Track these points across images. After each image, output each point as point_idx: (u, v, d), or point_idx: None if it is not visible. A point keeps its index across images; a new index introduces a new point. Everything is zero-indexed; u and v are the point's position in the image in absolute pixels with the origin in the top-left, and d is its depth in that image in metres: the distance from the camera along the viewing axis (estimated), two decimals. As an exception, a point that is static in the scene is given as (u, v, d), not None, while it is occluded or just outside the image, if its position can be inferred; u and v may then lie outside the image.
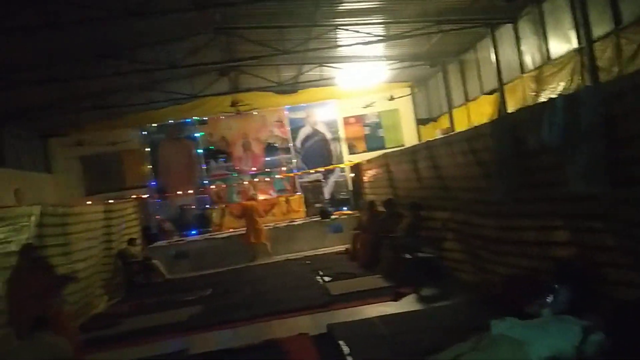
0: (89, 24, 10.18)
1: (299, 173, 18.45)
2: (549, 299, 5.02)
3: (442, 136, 10.01)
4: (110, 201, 12.89)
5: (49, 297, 6.94)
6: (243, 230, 15.03)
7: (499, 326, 4.65)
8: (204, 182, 18.20)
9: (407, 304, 7.60)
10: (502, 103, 13.08)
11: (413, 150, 10.06)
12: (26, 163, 16.20)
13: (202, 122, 18.35)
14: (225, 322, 8.23)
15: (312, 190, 17.96)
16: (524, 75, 12.35)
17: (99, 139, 17.55)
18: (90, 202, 14.01)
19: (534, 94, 11.65)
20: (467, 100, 15.89)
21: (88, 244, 10.34)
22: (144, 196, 17.42)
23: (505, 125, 6.20)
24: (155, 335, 8.00)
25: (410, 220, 9.36)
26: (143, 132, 18.15)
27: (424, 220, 9.11)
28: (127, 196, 16.16)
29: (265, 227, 14.97)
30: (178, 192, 17.95)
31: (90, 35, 11.03)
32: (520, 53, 12.61)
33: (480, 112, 14.38)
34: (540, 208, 5.67)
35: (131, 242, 12.88)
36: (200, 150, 18.34)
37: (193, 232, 17.19)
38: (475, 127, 7.33)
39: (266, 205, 16.50)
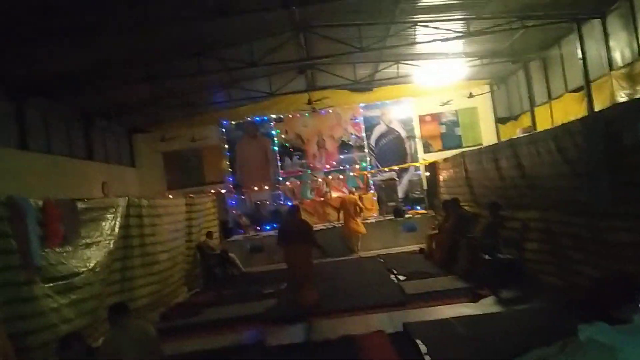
0: (178, 24, 10.59)
1: (373, 171, 18.39)
2: (642, 304, 4.75)
3: (526, 134, 9.66)
4: (190, 195, 13.34)
5: None
6: (315, 226, 15.13)
7: (588, 331, 4.42)
8: (279, 178, 18.51)
9: (485, 306, 7.41)
10: (589, 101, 12.49)
11: (494, 148, 9.78)
12: (113, 157, 17.07)
13: (278, 120, 18.67)
14: (301, 316, 8.32)
15: (386, 189, 17.85)
16: (613, 72, 11.73)
17: (181, 136, 18.25)
18: (171, 196, 14.55)
19: (624, 91, 11.04)
20: (550, 98, 15.28)
21: (171, 236, 10.74)
22: (221, 191, 17.95)
23: (598, 122, 5.91)
24: (234, 326, 8.21)
25: (489, 220, 9.11)
26: (222, 129, 18.68)
27: (504, 221, 8.84)
28: (205, 191, 16.69)
29: (363, 222, 15.01)
30: (254, 188, 18.35)
31: (176, 35, 11.47)
32: (608, 49, 11.99)
33: (564, 110, 13.79)
34: (635, 208, 5.37)
35: (209, 235, 13.28)
36: (275, 148, 18.66)
37: (268, 227, 17.51)
38: (564, 124, 7.02)
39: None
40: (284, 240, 8.94)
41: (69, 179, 12.94)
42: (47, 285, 6.00)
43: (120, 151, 17.88)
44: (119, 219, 8.38)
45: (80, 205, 7.27)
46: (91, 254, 7.26)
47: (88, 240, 7.29)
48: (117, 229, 8.24)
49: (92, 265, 7.16)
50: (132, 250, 8.80)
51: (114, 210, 8.30)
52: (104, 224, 7.88)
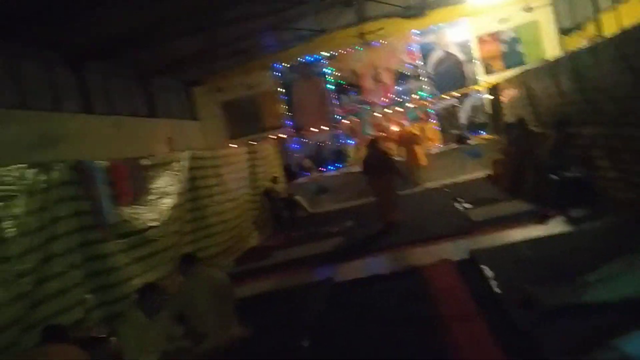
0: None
1: (433, 100, 17.94)
2: None
3: (586, 46, 9.08)
4: (251, 143, 13.55)
5: None
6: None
7: (658, 246, 4.30)
8: (337, 117, 18.42)
9: (554, 227, 7.26)
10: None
11: (554, 64, 9.26)
12: (174, 112, 17.50)
13: (331, 57, 18.40)
14: (368, 251, 8.48)
15: (447, 117, 17.41)
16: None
17: (236, 85, 18.36)
18: (233, 145, 14.85)
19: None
20: (617, 2, 14.18)
21: (237, 184, 11.04)
22: (281, 136, 18.12)
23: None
24: (304, 266, 8.48)
25: (555, 139, 8.77)
26: (276, 74, 18.66)
27: (570, 138, 8.48)
28: (266, 137, 16.91)
29: (426, 153, 14.97)
30: (313, 130, 18.40)
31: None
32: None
33: (634, 15, 12.77)
34: None
35: (274, 180, 13.55)
36: (331, 86, 18.49)
37: (331, 167, 17.63)
38: (625, 30, 6.53)
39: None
40: (368, 170, 9.93)
41: (134, 137, 13.40)
42: (121, 240, 6.36)
43: (181, 105, 18.28)
44: (185, 173, 8.67)
45: (144, 162, 7.57)
46: (161, 208, 7.57)
47: (157, 195, 7.60)
48: (184, 182, 8.54)
49: (163, 218, 7.49)
50: (201, 201, 9.12)
51: (178, 164, 8.58)
52: (170, 178, 8.16)
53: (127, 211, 6.67)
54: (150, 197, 7.36)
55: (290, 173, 16.56)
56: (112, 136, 12.23)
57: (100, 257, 5.91)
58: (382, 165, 9.76)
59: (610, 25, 14.20)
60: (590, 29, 15.55)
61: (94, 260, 5.83)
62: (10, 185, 4.86)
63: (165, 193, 7.80)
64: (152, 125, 15.26)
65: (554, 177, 8.18)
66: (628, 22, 12.97)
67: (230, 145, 15.71)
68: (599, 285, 4.30)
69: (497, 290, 5.25)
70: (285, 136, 18.33)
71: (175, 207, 7.91)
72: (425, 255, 7.50)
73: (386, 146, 16.64)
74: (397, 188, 10.37)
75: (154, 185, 7.57)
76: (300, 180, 16.59)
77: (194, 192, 8.90)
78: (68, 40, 11.37)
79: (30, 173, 5.16)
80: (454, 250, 7.34)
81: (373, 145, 10.39)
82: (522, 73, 11.50)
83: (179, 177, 8.39)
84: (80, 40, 11.59)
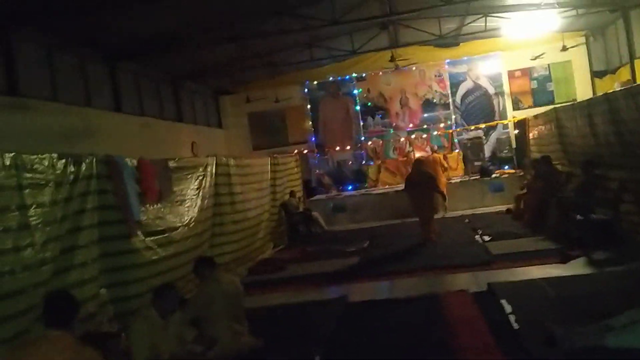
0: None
1: (458, 130, 17.90)
2: None
3: (624, 88, 9.01)
4: (275, 155, 13.62)
5: None
6: (398, 186, 15.06)
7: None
8: (361, 138, 18.45)
9: (576, 267, 7.12)
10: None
11: (589, 103, 9.19)
12: (200, 118, 17.68)
13: (361, 79, 18.52)
14: (383, 274, 8.40)
15: (472, 148, 17.33)
16: None
17: (265, 97, 18.54)
18: (257, 156, 14.91)
19: None
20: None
21: (257, 194, 11.07)
22: (304, 151, 18.18)
23: None
24: (317, 282, 8.41)
25: (583, 179, 8.67)
26: (305, 90, 18.78)
27: (598, 180, 8.38)
28: (289, 151, 16.97)
29: (448, 181, 14.74)
30: (336, 148, 18.44)
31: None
32: None
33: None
34: None
35: (292, 194, 13.54)
36: (358, 107, 18.56)
37: (350, 186, 17.61)
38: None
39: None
40: (412, 188, 10.38)
41: (160, 139, 13.56)
42: (145, 238, 6.39)
43: (208, 112, 18.47)
44: (209, 177, 8.72)
45: (171, 164, 7.62)
46: (185, 210, 7.65)
47: (182, 197, 7.67)
48: (207, 187, 8.58)
49: (187, 220, 7.56)
50: (222, 207, 9.17)
51: (203, 169, 8.63)
52: (195, 182, 8.23)
53: (153, 210, 6.70)
54: (175, 199, 7.40)
55: (310, 189, 16.57)
56: (139, 136, 12.38)
57: (121, 253, 5.94)
58: (425, 184, 10.17)
59: (645, 71, 14.12)
60: (624, 74, 15.47)
61: (114, 256, 5.86)
62: (40, 173, 4.90)
63: (189, 196, 7.84)
64: (178, 128, 15.43)
65: (579, 217, 8.06)
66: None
67: (253, 155, 15.77)
68: (623, 330, 4.20)
69: (516, 325, 5.15)
70: (307, 152, 18.38)
71: (198, 210, 7.94)
72: (442, 283, 7.43)
73: (408, 171, 16.73)
74: (436, 205, 10.91)
75: (179, 187, 7.62)
76: (319, 196, 16.59)
77: (216, 197, 8.93)
78: (104, 38, 11.59)
79: (60, 163, 5.21)
80: (472, 281, 7.24)
81: (418, 164, 10.91)
82: (554, 110, 11.42)
83: (203, 181, 8.44)
84: (115, 39, 11.81)
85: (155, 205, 6.81)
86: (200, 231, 8.01)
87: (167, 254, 6.78)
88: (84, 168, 5.58)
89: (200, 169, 8.55)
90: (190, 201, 7.83)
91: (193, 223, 7.69)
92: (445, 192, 12.69)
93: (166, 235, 6.88)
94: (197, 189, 8.22)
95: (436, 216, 12.00)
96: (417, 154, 17.29)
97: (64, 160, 5.27)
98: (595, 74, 17.35)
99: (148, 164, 6.82)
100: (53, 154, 5.15)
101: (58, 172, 5.16)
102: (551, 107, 12.70)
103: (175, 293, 5.21)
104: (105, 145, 9.87)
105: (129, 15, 10.67)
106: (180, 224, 7.28)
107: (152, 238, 6.53)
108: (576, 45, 17.12)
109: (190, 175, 8.13)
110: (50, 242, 4.87)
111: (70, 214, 5.29)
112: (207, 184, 8.61)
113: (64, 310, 3.61)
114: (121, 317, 5.70)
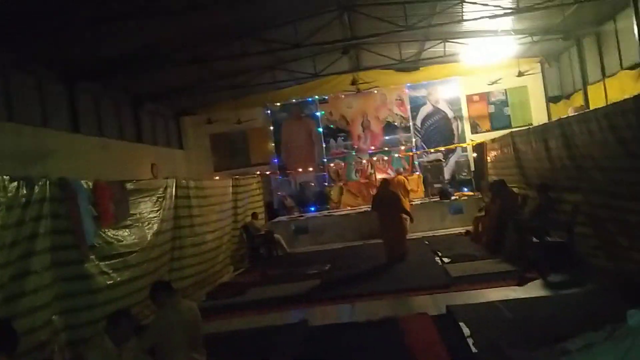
0: (222, 5, 10.66)
1: (419, 152, 18.17)
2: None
3: (577, 113, 9.33)
4: (236, 177, 13.52)
5: None
6: (360, 208, 15.15)
7: (637, 316, 4.28)
8: (324, 160, 18.53)
9: (533, 290, 7.26)
10: (647, 78, 11.93)
11: (543, 128, 9.47)
12: (161, 139, 17.46)
13: (323, 101, 18.66)
14: (344, 297, 8.37)
15: (432, 170, 17.59)
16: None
17: (227, 118, 18.45)
18: (218, 178, 14.80)
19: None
20: (604, 76, 14.67)
21: (218, 217, 10.95)
22: (267, 172, 18.13)
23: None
24: (278, 306, 8.32)
25: (538, 202, 8.88)
26: (267, 111, 18.80)
27: (554, 203, 8.60)
28: (251, 172, 16.91)
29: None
30: (299, 170, 18.45)
31: (221, 17, 11.56)
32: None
33: (619, 88, 13.20)
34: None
35: (254, 216, 13.45)
36: (320, 129, 18.66)
37: (312, 208, 17.61)
38: (617, 102, 6.72)
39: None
40: (379, 208, 10.80)
41: (119, 160, 13.31)
42: (102, 262, 6.23)
43: (169, 133, 18.25)
44: (168, 200, 8.59)
45: (129, 186, 7.47)
46: (143, 233, 7.49)
47: (139, 220, 7.51)
48: (166, 210, 8.45)
49: (144, 244, 7.40)
50: (181, 230, 9.04)
51: (163, 191, 8.50)
52: (154, 204, 8.09)
53: (108, 233, 6.54)
54: (132, 222, 7.24)
55: (272, 210, 16.49)
56: (98, 157, 12.14)
57: (74, 279, 5.76)
58: (392, 204, 10.61)
59: (597, 96, 14.65)
60: (577, 100, 16.03)
61: (68, 281, 5.67)
62: (-11, 196, 4.74)
63: (147, 219, 7.69)
64: (138, 150, 15.19)
65: (535, 240, 8.23)
66: (612, 95, 13.43)
67: (214, 177, 15.63)
68: (578, 353, 4.26)
69: (474, 348, 5.19)
70: (270, 173, 18.34)
71: (156, 234, 7.79)
72: (402, 306, 7.46)
73: (369, 193, 16.83)
74: (405, 227, 11.29)
75: (137, 210, 7.47)
76: (281, 218, 16.52)
77: (175, 220, 8.81)
78: (62, 57, 11.37)
79: (12, 186, 5.05)
80: (432, 304, 7.29)
81: (385, 185, 11.23)
82: (510, 134, 11.71)
83: (162, 204, 8.30)
84: (75, 59, 11.61)
85: (111, 229, 6.65)
86: (159, 255, 7.86)
87: (123, 278, 6.60)
88: (36, 191, 5.42)
89: (160, 191, 8.42)
90: (148, 224, 7.68)
91: (151, 247, 7.54)
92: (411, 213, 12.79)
93: (122, 259, 6.71)
94: (156, 211, 8.08)
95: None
96: (379, 176, 17.48)
97: (15, 183, 5.11)
98: (550, 99, 17.94)
99: (104, 187, 6.68)
100: (5, 176, 4.99)
101: (10, 195, 5.01)
102: (508, 131, 13.02)
103: (131, 320, 5.06)
104: (62, 167, 9.66)
105: (89, 36, 10.53)
106: (137, 248, 7.12)
107: (106, 262, 6.36)
108: (532, 71, 17.66)
109: (148, 198, 8.00)
110: (0, 268, 4.69)
111: (21, 238, 5.12)
112: (167, 206, 8.47)
113: (5, 338, 3.50)
114: (74, 346, 5.51)
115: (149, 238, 7.56)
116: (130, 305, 6.39)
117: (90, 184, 6.44)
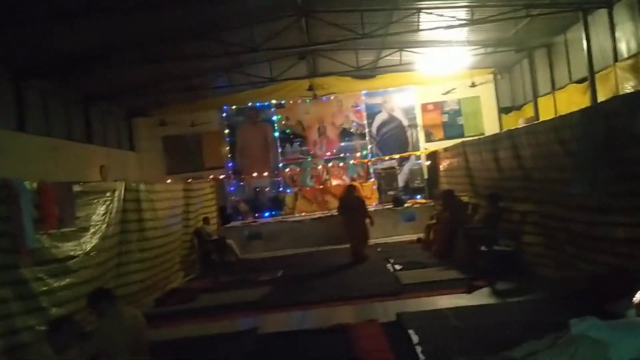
0: (179, 4, 10.49)
1: (374, 159, 18.31)
2: (636, 299, 4.71)
3: (526, 125, 9.60)
4: (189, 180, 13.29)
5: None
6: (315, 214, 15.15)
7: (579, 325, 4.39)
8: (279, 165, 18.45)
9: (481, 298, 7.37)
10: (593, 92, 12.35)
11: (494, 139, 9.70)
12: (111, 141, 16.99)
13: (280, 106, 18.58)
14: (295, 304, 8.32)
15: (386, 177, 17.77)
16: (618, 63, 11.60)
17: (181, 120, 18.15)
18: (170, 181, 14.51)
19: (629, 83, 10.93)
20: (554, 88, 15.16)
21: (168, 221, 10.70)
22: (221, 177, 17.90)
23: (596, 114, 5.83)
24: (228, 313, 8.20)
25: (487, 211, 9.06)
26: (222, 115, 18.60)
27: (503, 212, 8.79)
28: (205, 176, 16.68)
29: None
30: (254, 174, 18.30)
31: (177, 16, 11.37)
32: (614, 40, 11.83)
33: (568, 101, 13.65)
34: (633, 203, 5.30)
35: (206, 221, 13.24)
36: (276, 134, 18.58)
37: (267, 214, 17.49)
38: (563, 115, 6.94)
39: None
40: (344, 211, 11.49)
41: (68, 162, 12.89)
42: (39, 268, 5.97)
43: (120, 135, 17.78)
44: (116, 203, 8.35)
45: (76, 188, 7.24)
46: (87, 238, 7.25)
47: (85, 224, 7.28)
48: (114, 213, 8.21)
49: (88, 249, 7.15)
50: (129, 234, 8.79)
51: (111, 194, 8.27)
52: (101, 208, 7.85)
53: (50, 237, 6.30)
54: (77, 225, 7.00)
55: (225, 215, 16.26)
56: (45, 158, 11.74)
57: (12, 283, 5.51)
58: (356, 208, 11.38)
59: (547, 108, 15.12)
60: (528, 111, 16.50)
61: (4, 286, 5.41)
62: None
63: (93, 222, 7.46)
64: (88, 151, 14.75)
65: (484, 248, 8.38)
66: (562, 107, 13.89)
67: (167, 180, 15.32)
68: (522, 361, 4.34)
69: (422, 356, 5.22)
70: (224, 177, 18.12)
71: (102, 238, 7.56)
72: (353, 313, 7.46)
73: (324, 200, 16.90)
74: (368, 228, 11.75)
75: (84, 213, 7.24)
76: (234, 224, 16.34)
77: (123, 224, 8.57)
78: (8, 53, 10.95)
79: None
80: (382, 311, 7.31)
81: (350, 190, 12.06)
82: (462, 143, 11.93)
83: (110, 207, 8.07)
84: (21, 54, 11.20)
85: (53, 232, 6.40)
86: (104, 260, 7.61)
87: (61, 284, 6.34)
88: (-25, 192, 5.18)
89: (108, 194, 8.18)
90: (94, 228, 7.44)
91: (96, 251, 7.29)
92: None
93: (61, 264, 6.47)
94: (103, 215, 7.85)
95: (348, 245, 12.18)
96: (334, 182, 17.55)
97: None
98: (502, 110, 18.40)
99: (49, 188, 6.44)
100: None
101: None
102: (460, 140, 13.27)
103: (72, 326, 4.88)
104: (6, 168, 9.27)
105: (38, 32, 10.17)
106: (80, 252, 6.87)
107: (44, 267, 6.10)
108: (484, 82, 18.09)
109: (96, 201, 7.76)
110: None
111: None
112: (114, 209, 8.24)
113: None
114: (12, 352, 5.27)
115: (94, 242, 7.32)
116: (75, 310, 6.17)
117: (35, 185, 6.20)
